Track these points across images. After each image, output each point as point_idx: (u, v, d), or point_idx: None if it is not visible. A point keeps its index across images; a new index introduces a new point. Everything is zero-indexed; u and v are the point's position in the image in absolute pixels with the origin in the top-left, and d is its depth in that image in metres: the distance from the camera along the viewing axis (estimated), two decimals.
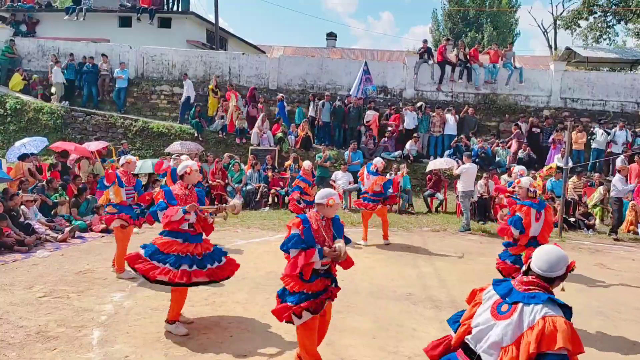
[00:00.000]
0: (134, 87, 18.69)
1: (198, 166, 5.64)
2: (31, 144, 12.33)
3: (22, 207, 9.40)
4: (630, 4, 27.74)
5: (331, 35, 34.15)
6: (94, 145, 14.17)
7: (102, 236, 9.62)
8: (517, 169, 9.66)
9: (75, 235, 9.40)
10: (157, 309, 5.84)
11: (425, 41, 19.46)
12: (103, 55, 18.49)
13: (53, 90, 17.68)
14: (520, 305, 2.62)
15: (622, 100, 18.07)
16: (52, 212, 10.21)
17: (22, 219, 9.13)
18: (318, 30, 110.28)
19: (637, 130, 16.16)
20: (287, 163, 14.66)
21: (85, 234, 9.72)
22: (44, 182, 10.95)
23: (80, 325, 5.39)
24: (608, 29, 30.04)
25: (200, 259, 5.21)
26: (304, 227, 4.10)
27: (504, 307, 2.70)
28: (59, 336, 5.11)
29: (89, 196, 10.89)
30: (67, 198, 10.75)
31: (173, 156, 12.46)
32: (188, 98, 17.50)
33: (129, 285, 6.72)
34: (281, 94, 17.65)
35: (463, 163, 11.68)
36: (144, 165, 13.01)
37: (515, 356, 2.53)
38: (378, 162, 9.98)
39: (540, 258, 2.73)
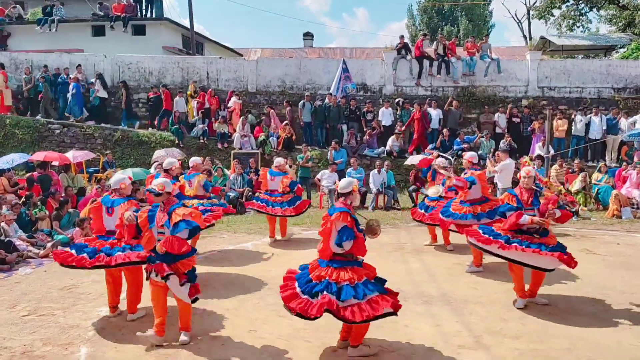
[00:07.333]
0: (111, 97, 18.42)
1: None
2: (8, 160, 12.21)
3: (3, 224, 9.18)
4: None
5: (308, 35, 34.03)
6: (79, 157, 14.04)
7: None
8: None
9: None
10: (145, 322, 5.72)
11: (402, 37, 19.47)
12: (78, 65, 18.20)
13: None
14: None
15: (598, 87, 18.26)
16: (32, 228, 9.98)
17: (2, 237, 8.91)
18: (294, 30, 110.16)
19: (612, 116, 16.29)
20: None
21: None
22: (23, 198, 10.72)
23: (67, 343, 5.26)
24: (581, 17, 30.40)
25: None
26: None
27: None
28: (46, 355, 4.98)
29: (70, 209, 10.68)
30: (47, 213, 10.52)
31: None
32: None
33: None
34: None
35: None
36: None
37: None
38: (281, 161, 9.87)
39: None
